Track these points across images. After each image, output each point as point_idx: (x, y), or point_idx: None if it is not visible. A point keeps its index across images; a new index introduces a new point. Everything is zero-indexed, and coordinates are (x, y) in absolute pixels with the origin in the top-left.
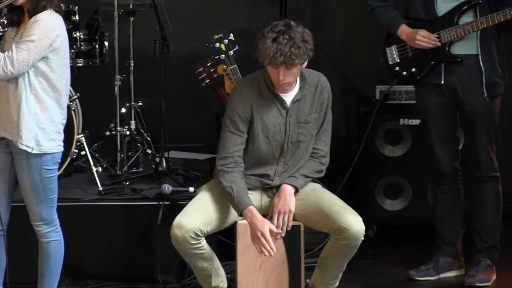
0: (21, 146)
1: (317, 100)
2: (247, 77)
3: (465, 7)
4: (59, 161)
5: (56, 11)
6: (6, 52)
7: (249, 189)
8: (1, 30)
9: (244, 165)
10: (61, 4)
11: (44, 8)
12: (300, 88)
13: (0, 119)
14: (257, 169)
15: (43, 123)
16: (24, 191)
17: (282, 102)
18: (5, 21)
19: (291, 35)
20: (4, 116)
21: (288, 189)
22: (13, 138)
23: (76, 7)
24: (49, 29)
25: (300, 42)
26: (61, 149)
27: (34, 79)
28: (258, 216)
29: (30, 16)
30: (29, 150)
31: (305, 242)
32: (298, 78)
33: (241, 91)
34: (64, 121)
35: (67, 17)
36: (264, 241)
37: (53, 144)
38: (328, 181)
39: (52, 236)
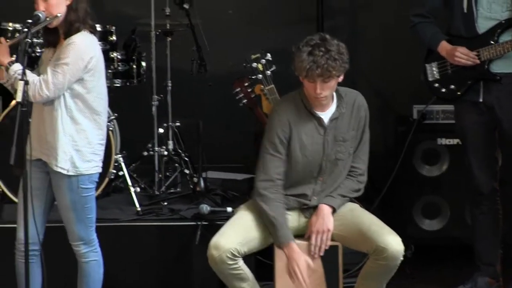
0: (56, 168)
1: (355, 119)
2: (284, 97)
3: (505, 26)
4: (97, 180)
5: (91, 32)
6: (42, 76)
7: (287, 209)
8: (39, 50)
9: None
10: (97, 25)
11: (78, 30)
12: (337, 106)
13: (36, 141)
14: (295, 189)
15: (79, 145)
16: (62, 210)
17: (319, 120)
18: (41, 42)
19: (327, 47)
20: (39, 137)
21: (325, 209)
22: (48, 159)
23: (114, 28)
24: (83, 51)
25: (336, 54)
26: (99, 170)
27: (70, 100)
28: (298, 251)
29: (65, 38)
30: (64, 172)
31: (344, 262)
32: (335, 96)
33: (279, 112)
34: (103, 142)
35: (104, 37)
36: (301, 279)
37: (90, 165)
38: (366, 201)
39: (91, 256)
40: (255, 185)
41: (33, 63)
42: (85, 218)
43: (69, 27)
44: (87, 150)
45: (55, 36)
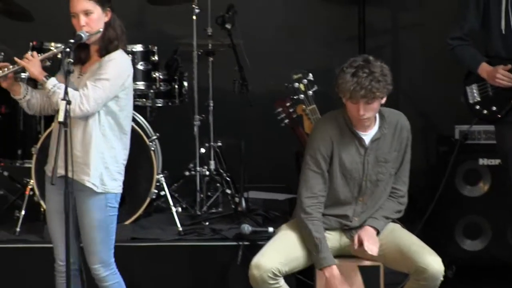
0: (88, 184)
1: (397, 140)
2: (327, 115)
3: None
4: (119, 201)
5: (125, 51)
6: (82, 90)
7: (328, 229)
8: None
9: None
10: (139, 44)
11: (116, 48)
12: (379, 127)
13: (61, 158)
14: (336, 209)
15: (108, 162)
16: (86, 231)
17: (360, 140)
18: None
19: (371, 69)
20: (67, 154)
21: (369, 231)
22: (77, 176)
23: (156, 47)
24: (123, 68)
25: (380, 76)
26: (121, 190)
27: (104, 117)
28: (338, 275)
29: (101, 55)
30: (94, 188)
31: (385, 283)
32: (377, 117)
33: (321, 129)
34: (125, 162)
35: (146, 57)
36: None
37: (115, 184)
38: (407, 221)
39: (112, 279)
40: (299, 202)
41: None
42: (108, 238)
43: (108, 44)
44: (115, 169)
45: (86, 53)
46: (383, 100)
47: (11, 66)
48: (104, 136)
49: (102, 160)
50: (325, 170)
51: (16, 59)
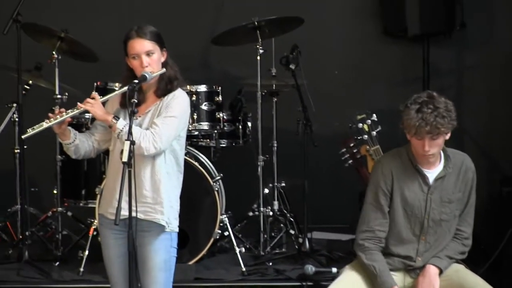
0: (162, 222)
1: (461, 180)
2: (390, 151)
3: None
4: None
5: (184, 90)
6: (152, 129)
7: (392, 270)
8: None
9: (385, 242)
10: (203, 85)
11: (176, 87)
12: (444, 166)
13: (123, 199)
14: (398, 248)
15: (172, 201)
16: (148, 273)
17: (424, 177)
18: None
19: (435, 104)
20: (130, 194)
21: (432, 270)
22: (148, 215)
23: (220, 88)
24: (186, 106)
25: (444, 111)
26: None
27: (168, 157)
28: None
29: (159, 96)
30: (166, 226)
31: None
32: (442, 156)
33: (383, 164)
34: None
35: (210, 97)
36: None
37: (176, 223)
38: (470, 262)
39: None
40: (355, 236)
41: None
42: (169, 281)
43: (168, 83)
44: (176, 207)
45: (141, 96)
46: (448, 136)
47: (64, 112)
48: (168, 174)
49: (168, 198)
50: (384, 205)
51: (78, 103)
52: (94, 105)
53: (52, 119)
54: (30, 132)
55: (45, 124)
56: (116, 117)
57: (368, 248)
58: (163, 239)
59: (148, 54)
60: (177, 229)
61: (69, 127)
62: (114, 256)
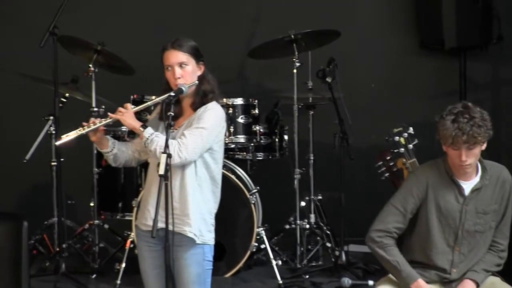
0: (189, 234)
1: (498, 192)
2: (427, 162)
3: None
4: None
5: (219, 103)
6: (179, 139)
7: (428, 282)
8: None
9: (418, 251)
10: (239, 98)
11: (211, 100)
12: (481, 178)
13: (161, 211)
14: (433, 259)
15: (204, 214)
16: (183, 286)
17: (460, 189)
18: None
19: (471, 114)
20: (167, 206)
21: (469, 284)
22: (177, 227)
23: (256, 101)
24: (219, 119)
25: (480, 120)
26: (214, 242)
27: (200, 169)
28: (426, 286)
29: (195, 109)
30: (195, 238)
31: None
32: (479, 168)
33: (418, 173)
34: (214, 215)
35: (247, 110)
36: None
37: (211, 235)
38: (506, 274)
39: None
40: (368, 232)
41: (117, 139)
42: None
43: (203, 97)
44: (210, 220)
45: (179, 108)
46: (484, 146)
47: (97, 121)
48: (200, 187)
49: (199, 211)
50: (409, 211)
51: (109, 113)
52: (124, 114)
53: (85, 127)
54: (64, 139)
55: (78, 132)
56: (144, 126)
57: (387, 245)
58: (195, 252)
59: (181, 65)
60: (211, 242)
61: (108, 136)
62: (150, 269)
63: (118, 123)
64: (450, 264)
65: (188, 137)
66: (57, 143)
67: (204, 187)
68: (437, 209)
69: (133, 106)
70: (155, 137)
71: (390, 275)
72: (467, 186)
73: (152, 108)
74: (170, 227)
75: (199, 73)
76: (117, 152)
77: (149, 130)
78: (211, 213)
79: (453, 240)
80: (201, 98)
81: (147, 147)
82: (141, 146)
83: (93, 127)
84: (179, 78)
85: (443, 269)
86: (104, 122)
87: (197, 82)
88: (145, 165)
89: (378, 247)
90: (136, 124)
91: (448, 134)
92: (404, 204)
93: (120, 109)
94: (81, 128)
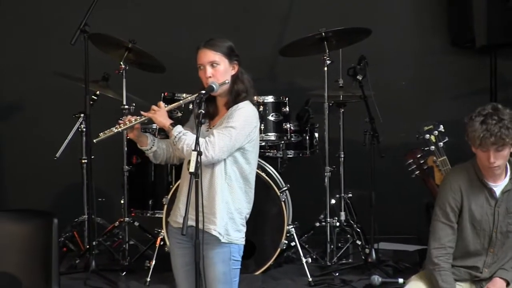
0: (214, 233)
1: None
2: (457, 166)
3: None
4: (242, 254)
5: (254, 104)
6: (207, 137)
7: (458, 280)
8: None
9: (453, 256)
10: (270, 96)
11: (244, 100)
12: (510, 179)
13: (191, 208)
14: (466, 260)
15: (233, 213)
16: (210, 284)
17: (491, 191)
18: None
19: (500, 116)
20: (197, 204)
21: (499, 283)
22: (205, 226)
23: (287, 99)
24: (250, 118)
25: (509, 122)
26: (244, 241)
27: (230, 168)
28: None
29: (228, 108)
30: (220, 237)
31: None
32: (508, 169)
33: (451, 180)
34: (248, 216)
35: (277, 108)
36: None
37: (239, 235)
38: None
39: None
40: (427, 253)
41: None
42: None
43: (236, 96)
44: (239, 220)
45: (214, 107)
46: None
47: (133, 119)
48: (230, 186)
49: (227, 210)
50: (454, 222)
51: (142, 112)
52: (156, 112)
53: (122, 124)
54: (102, 136)
55: (114, 129)
56: (174, 124)
57: (443, 269)
58: (221, 251)
59: (213, 65)
60: (239, 242)
61: (147, 134)
62: (179, 265)
63: (151, 121)
64: (483, 264)
65: (216, 136)
66: (95, 140)
67: (234, 186)
68: (470, 214)
69: (165, 105)
70: (182, 136)
71: (420, 273)
72: (498, 188)
73: (183, 106)
74: (200, 225)
75: (232, 72)
76: (157, 150)
77: (177, 129)
78: (241, 213)
79: (488, 242)
80: (234, 98)
81: (176, 145)
82: None
83: (128, 125)
84: (210, 77)
85: (476, 267)
86: (139, 120)
87: (228, 81)
88: (177, 164)
89: (435, 270)
90: (166, 122)
91: (476, 136)
92: (447, 216)
93: (153, 107)
94: (117, 126)
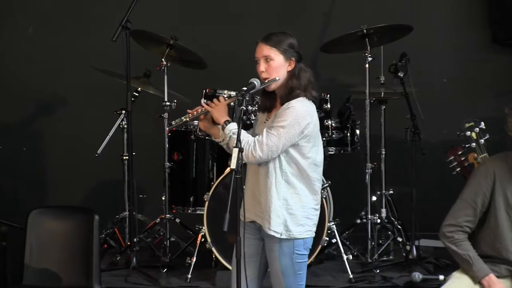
0: (269, 232)
1: None
2: (497, 154)
3: None
4: (310, 247)
5: (310, 100)
6: (257, 137)
7: (499, 277)
8: (253, 118)
9: (487, 245)
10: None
11: (297, 96)
12: None
13: (250, 203)
14: (501, 252)
15: (293, 209)
16: (274, 276)
17: None
18: (256, 109)
19: None
20: (254, 199)
21: None
22: (262, 222)
23: (328, 96)
24: (301, 116)
25: None
26: (312, 234)
27: (286, 165)
28: (497, 281)
29: (282, 103)
30: (277, 235)
31: None
32: None
33: (487, 165)
34: (318, 207)
35: (319, 105)
36: None
37: (302, 229)
38: None
39: None
40: (440, 228)
41: (246, 129)
42: (296, 285)
43: (289, 92)
44: (301, 214)
45: (272, 101)
46: None
47: (199, 109)
48: (287, 183)
49: (286, 206)
50: (479, 205)
51: (203, 103)
52: (215, 107)
53: (190, 114)
54: (174, 124)
55: (183, 119)
56: (228, 121)
57: (458, 239)
58: (283, 245)
59: (267, 59)
60: (302, 236)
61: (219, 126)
62: (246, 255)
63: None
64: None
65: (265, 135)
66: (168, 128)
67: (292, 181)
68: (505, 202)
69: (226, 98)
70: (233, 135)
71: (461, 269)
72: None
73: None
74: (248, 219)
75: (288, 68)
76: (229, 142)
77: (230, 127)
78: (303, 207)
79: None
80: (287, 93)
81: (228, 143)
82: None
83: (196, 115)
84: (263, 71)
85: None
86: (203, 111)
87: (277, 78)
88: (217, 159)
89: (450, 242)
90: (221, 119)
91: None
92: (474, 197)
93: (214, 100)
94: (187, 115)
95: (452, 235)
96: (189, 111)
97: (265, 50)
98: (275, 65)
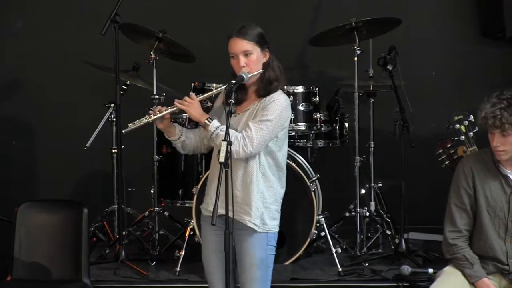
0: (249, 224)
1: None
2: (476, 152)
3: None
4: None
5: (284, 92)
6: (244, 132)
7: (488, 273)
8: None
9: (475, 244)
10: (300, 86)
11: (276, 89)
12: None
13: (221, 198)
14: (489, 251)
15: (268, 202)
16: (245, 270)
17: (506, 179)
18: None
19: (511, 102)
20: (227, 194)
21: None
22: (239, 216)
23: (317, 88)
24: (284, 109)
25: None
26: (278, 229)
27: (264, 157)
28: (491, 286)
29: (259, 96)
30: (256, 228)
31: None
32: None
33: (465, 164)
34: (281, 200)
35: (307, 98)
36: None
37: (275, 223)
38: None
39: None
40: (443, 237)
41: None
42: (267, 278)
43: (267, 84)
44: (274, 208)
45: (243, 94)
46: None
47: (163, 109)
48: (264, 175)
49: (262, 199)
50: (468, 205)
51: (176, 102)
52: (190, 105)
53: (152, 115)
54: (131, 126)
55: (144, 120)
56: (210, 119)
57: (461, 247)
58: (258, 237)
59: (246, 54)
60: (275, 229)
61: (175, 124)
62: (212, 252)
63: (182, 111)
64: (506, 256)
65: (253, 130)
66: (124, 131)
67: (268, 174)
68: (485, 200)
69: (198, 95)
70: (220, 132)
71: (453, 265)
72: None
73: (213, 96)
74: (230, 214)
75: (264, 60)
76: (185, 140)
77: (214, 124)
78: (276, 200)
79: (504, 231)
80: (265, 86)
81: (214, 140)
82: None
83: (159, 115)
84: (243, 66)
85: (500, 260)
86: (169, 110)
87: (261, 70)
88: (205, 153)
89: (452, 250)
90: (201, 118)
91: (481, 116)
92: (460, 199)
93: (186, 98)
94: (147, 116)
95: (455, 243)
96: (150, 111)
97: (244, 44)
98: (255, 59)
